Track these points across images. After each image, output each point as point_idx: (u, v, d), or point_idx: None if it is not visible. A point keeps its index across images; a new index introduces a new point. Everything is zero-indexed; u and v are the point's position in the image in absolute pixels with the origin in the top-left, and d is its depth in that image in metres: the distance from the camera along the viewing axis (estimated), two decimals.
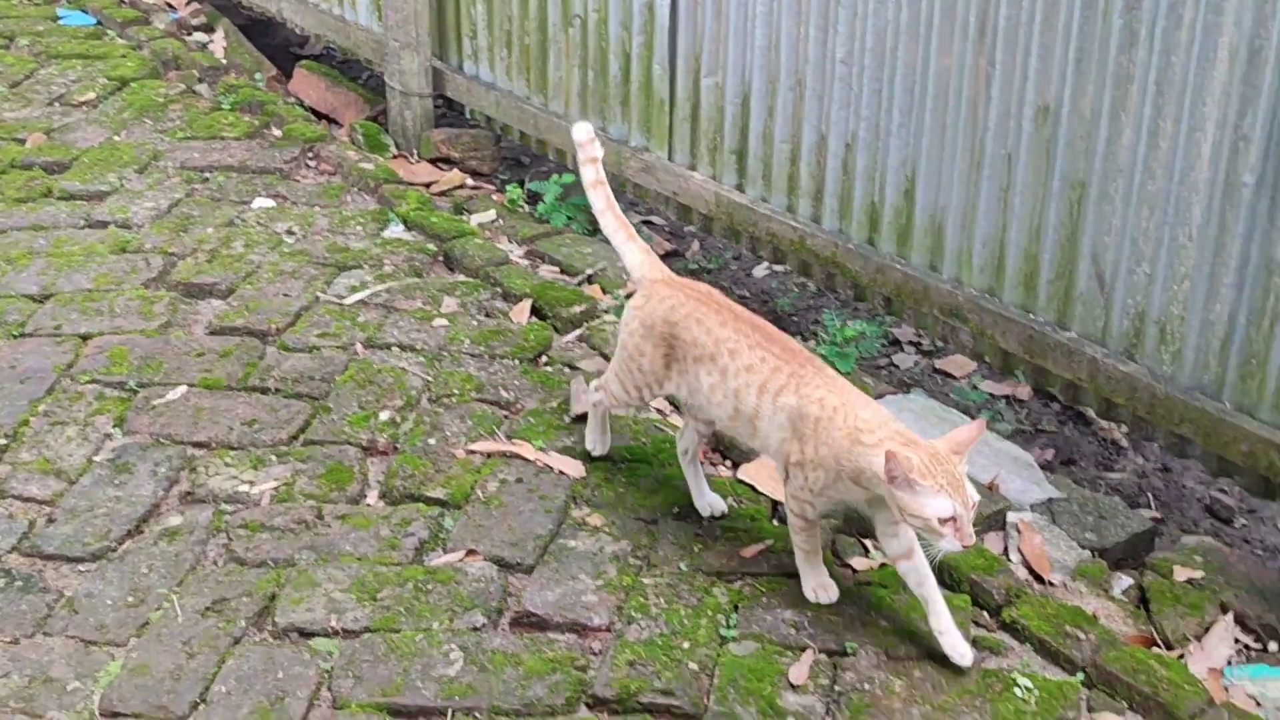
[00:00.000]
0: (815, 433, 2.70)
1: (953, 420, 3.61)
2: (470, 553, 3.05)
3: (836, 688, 2.72)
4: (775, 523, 3.21)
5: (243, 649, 2.77)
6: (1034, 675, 2.77)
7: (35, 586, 2.91)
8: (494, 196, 4.93)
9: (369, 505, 3.21)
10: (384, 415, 3.52)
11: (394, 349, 3.83)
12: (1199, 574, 3.04)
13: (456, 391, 3.64)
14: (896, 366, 4.25)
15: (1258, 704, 2.71)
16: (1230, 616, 2.94)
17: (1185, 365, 3.18)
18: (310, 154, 5.02)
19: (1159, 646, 2.87)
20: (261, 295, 4.03)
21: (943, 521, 2.52)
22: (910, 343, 4.38)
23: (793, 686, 2.71)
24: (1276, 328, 2.96)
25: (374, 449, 3.40)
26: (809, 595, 2.92)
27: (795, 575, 2.97)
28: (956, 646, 2.75)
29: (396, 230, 4.54)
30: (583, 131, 3.15)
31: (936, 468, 2.53)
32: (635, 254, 3.14)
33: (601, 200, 3.16)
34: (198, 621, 2.83)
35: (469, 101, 5.12)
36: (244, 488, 3.23)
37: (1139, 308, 3.24)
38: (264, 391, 3.60)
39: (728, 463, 3.49)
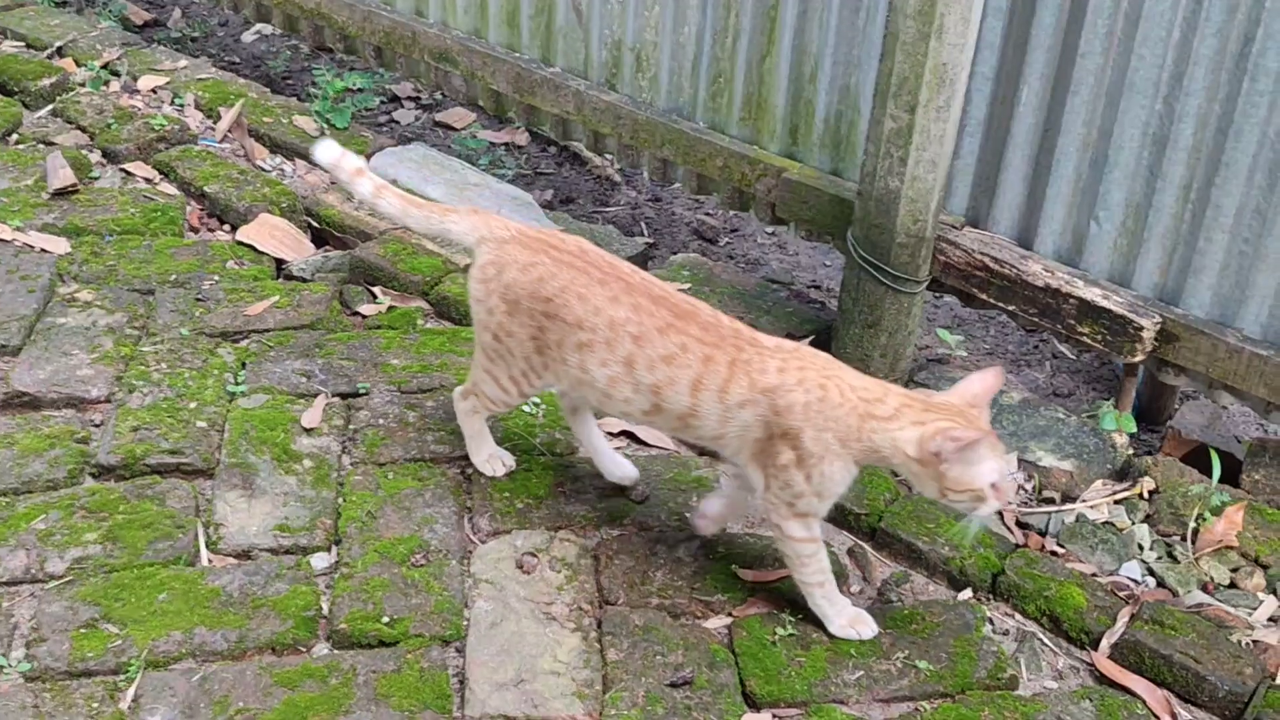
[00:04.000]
0: (808, 419, 2.18)
1: (453, 168, 3.63)
2: None
3: (351, 426, 2.74)
4: (280, 280, 3.16)
5: None
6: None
7: None
8: None
9: None
10: None
11: None
12: (686, 285, 3.24)
13: None
14: (397, 123, 4.21)
15: None
16: None
17: (661, 90, 3.32)
18: None
19: None
20: None
21: (994, 487, 2.10)
22: (409, 98, 4.34)
23: (306, 430, 2.71)
24: (739, 44, 3.13)
25: None
26: (839, 633, 2.35)
27: (301, 327, 2.94)
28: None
29: None
30: (328, 153, 2.53)
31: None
32: (461, 221, 2.46)
33: (396, 203, 2.51)
34: None
35: None
36: None
37: (615, 37, 3.34)
38: None
39: (226, 226, 3.38)
